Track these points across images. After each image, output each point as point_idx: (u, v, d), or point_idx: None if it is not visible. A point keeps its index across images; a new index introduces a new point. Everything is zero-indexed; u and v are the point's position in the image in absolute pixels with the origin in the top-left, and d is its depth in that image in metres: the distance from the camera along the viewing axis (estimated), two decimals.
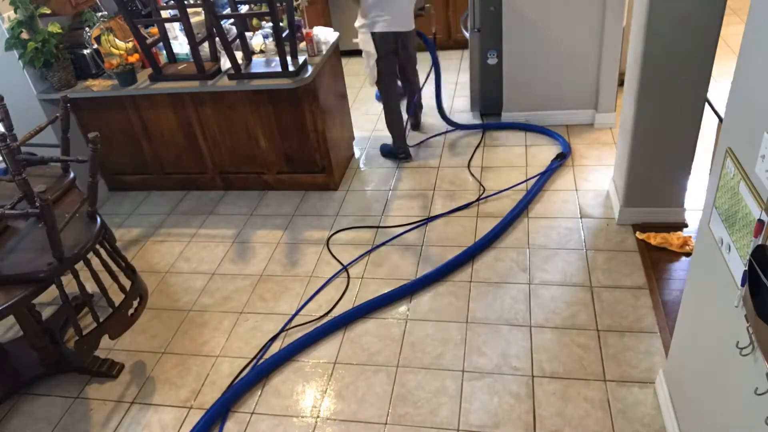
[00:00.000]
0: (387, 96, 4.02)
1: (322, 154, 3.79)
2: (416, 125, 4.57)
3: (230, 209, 3.89)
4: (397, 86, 4.09)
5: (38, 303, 2.79)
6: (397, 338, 2.73)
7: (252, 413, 2.47)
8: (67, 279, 2.33)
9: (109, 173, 4.19)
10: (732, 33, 4.37)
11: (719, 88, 2.66)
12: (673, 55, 2.66)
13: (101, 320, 2.49)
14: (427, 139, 4.37)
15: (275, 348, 2.77)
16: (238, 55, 3.60)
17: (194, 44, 3.41)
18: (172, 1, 3.50)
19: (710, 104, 2.74)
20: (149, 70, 3.63)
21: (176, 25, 3.95)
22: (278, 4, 3.35)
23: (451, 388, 2.46)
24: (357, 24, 3.75)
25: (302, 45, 3.69)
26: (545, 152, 4.00)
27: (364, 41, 3.74)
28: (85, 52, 3.70)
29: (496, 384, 2.45)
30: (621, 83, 3.86)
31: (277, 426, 2.41)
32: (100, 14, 3.90)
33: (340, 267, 3.20)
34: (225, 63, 3.59)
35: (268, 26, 3.99)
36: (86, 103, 3.80)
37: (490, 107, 4.51)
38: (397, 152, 4.16)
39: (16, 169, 2.36)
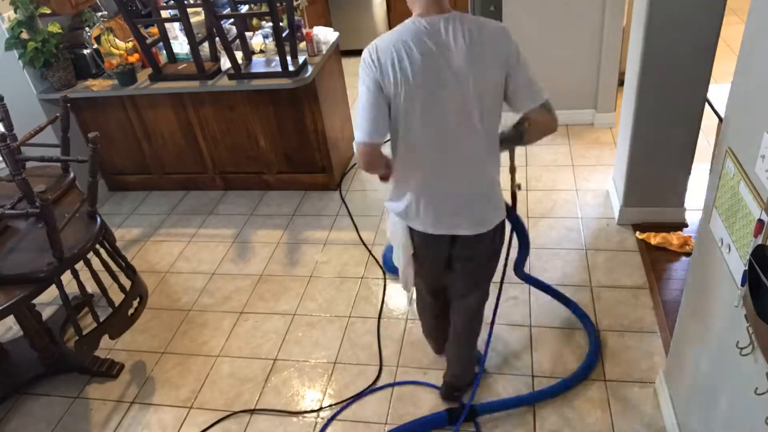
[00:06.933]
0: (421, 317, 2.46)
1: (322, 154, 3.79)
2: (453, 387, 2.40)
3: (230, 209, 3.89)
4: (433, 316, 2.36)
5: (38, 303, 2.79)
6: (397, 338, 2.73)
7: (252, 412, 2.47)
8: (67, 279, 2.33)
9: (109, 173, 4.18)
10: (732, 33, 4.36)
11: (719, 88, 2.66)
12: (673, 55, 2.66)
13: (101, 320, 2.49)
14: None
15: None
16: (238, 55, 3.60)
17: (194, 44, 3.41)
18: (172, 1, 3.50)
19: (710, 104, 2.74)
20: (149, 70, 3.63)
21: (176, 25, 3.95)
22: (278, 4, 3.35)
23: None
24: (385, 199, 1.99)
25: (302, 45, 3.69)
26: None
27: (394, 225, 2.00)
28: (85, 52, 3.70)
29: (495, 384, 2.45)
30: (621, 83, 3.85)
31: (278, 426, 2.41)
32: (100, 14, 3.90)
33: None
34: (225, 63, 3.59)
35: (268, 26, 3.99)
36: (86, 103, 3.80)
37: None
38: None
39: (16, 169, 2.36)
